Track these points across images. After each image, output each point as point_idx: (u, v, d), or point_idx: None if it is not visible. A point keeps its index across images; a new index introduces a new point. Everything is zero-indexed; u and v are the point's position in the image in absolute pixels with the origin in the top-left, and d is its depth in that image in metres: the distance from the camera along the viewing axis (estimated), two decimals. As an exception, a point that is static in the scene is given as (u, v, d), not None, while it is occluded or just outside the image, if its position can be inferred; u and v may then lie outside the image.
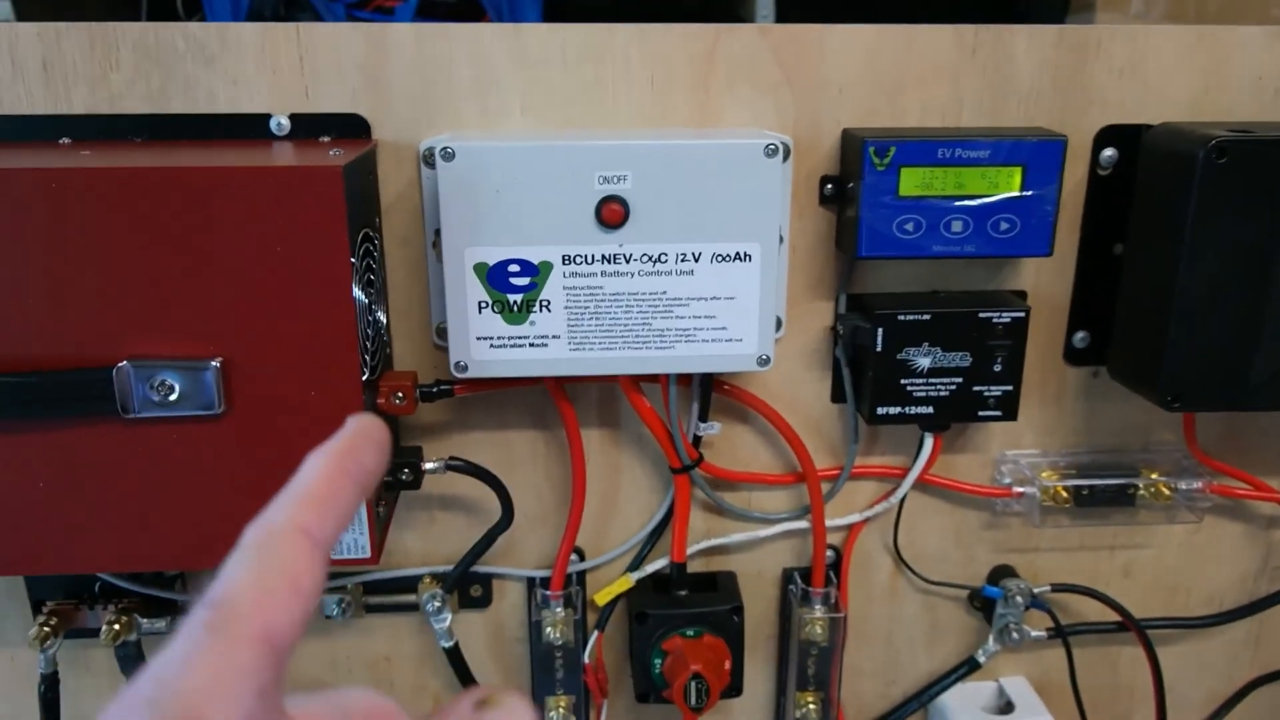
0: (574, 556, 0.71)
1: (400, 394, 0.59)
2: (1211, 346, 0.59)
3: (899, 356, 0.64)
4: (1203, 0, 1.30)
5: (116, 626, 0.66)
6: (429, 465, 0.63)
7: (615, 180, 0.56)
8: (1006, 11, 1.45)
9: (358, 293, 0.53)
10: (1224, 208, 0.56)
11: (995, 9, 1.50)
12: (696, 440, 0.67)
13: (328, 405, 0.53)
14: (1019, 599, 0.72)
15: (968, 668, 0.76)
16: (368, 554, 0.56)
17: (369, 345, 0.56)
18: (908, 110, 0.63)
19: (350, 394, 0.53)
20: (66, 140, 0.59)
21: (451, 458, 0.64)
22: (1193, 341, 0.59)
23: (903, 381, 0.64)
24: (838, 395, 0.69)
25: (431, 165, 0.59)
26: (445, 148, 0.55)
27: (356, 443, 0.28)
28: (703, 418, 0.66)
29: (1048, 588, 0.73)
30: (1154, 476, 0.70)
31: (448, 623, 0.69)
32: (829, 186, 0.64)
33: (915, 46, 0.62)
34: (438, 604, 0.68)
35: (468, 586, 0.72)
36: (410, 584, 0.71)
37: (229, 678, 0.23)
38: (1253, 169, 0.56)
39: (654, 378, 0.65)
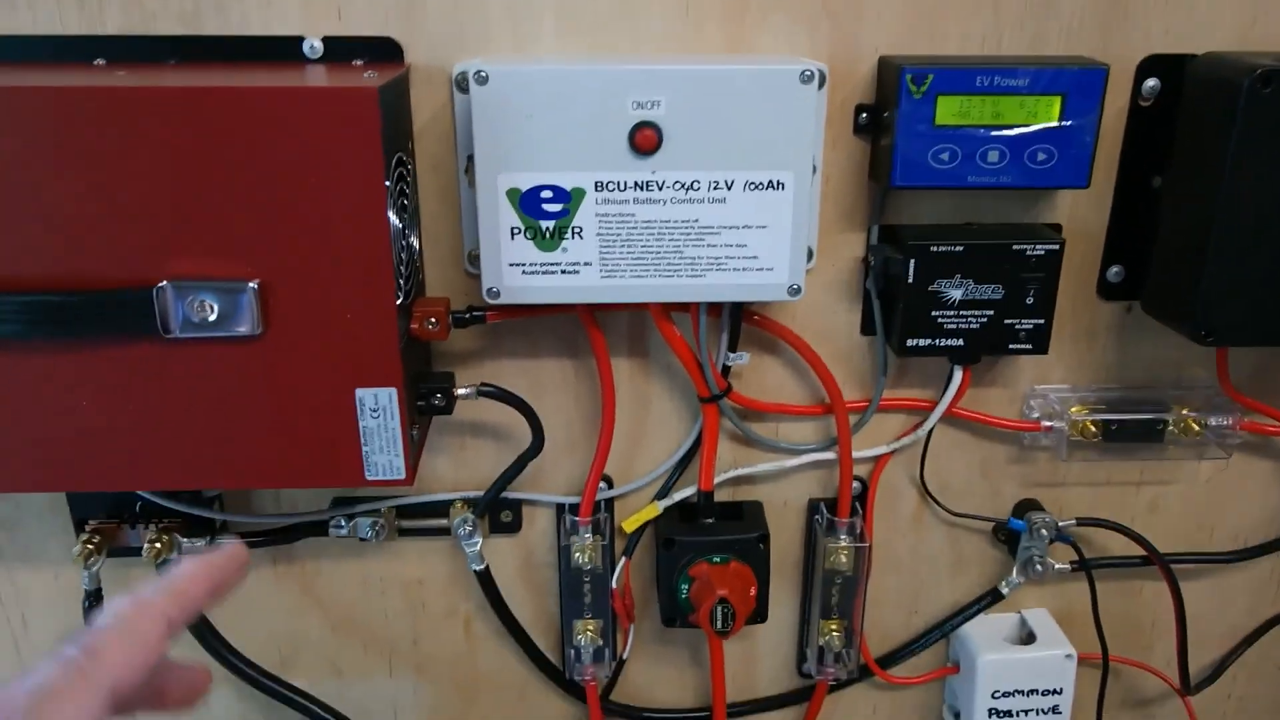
0: (602, 484, 0.72)
1: (434, 319, 0.60)
2: (1249, 281, 0.58)
3: (930, 288, 0.63)
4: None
5: (158, 545, 0.68)
6: (461, 391, 0.64)
7: (649, 106, 0.56)
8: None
9: (392, 217, 0.53)
10: (1268, 138, 0.56)
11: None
12: (725, 370, 0.67)
13: (363, 328, 0.53)
14: (1044, 532, 0.72)
15: (991, 599, 0.77)
16: (402, 475, 0.57)
17: (403, 270, 0.57)
18: (947, 38, 0.62)
19: (385, 317, 0.53)
20: (101, 61, 0.59)
21: (483, 384, 0.65)
22: (1230, 275, 0.58)
23: (934, 313, 0.64)
24: (867, 327, 0.69)
25: (465, 89, 0.59)
26: (479, 71, 0.55)
27: (227, 564, 0.38)
28: (732, 348, 0.66)
29: (1073, 522, 0.74)
30: (1184, 413, 0.70)
31: (478, 546, 0.71)
32: (864, 115, 0.63)
33: (956, -29, 0.61)
34: (469, 528, 0.70)
35: (498, 512, 0.73)
36: (442, 509, 0.72)
37: (84, 713, 0.30)
38: (1299, 98, 0.55)
39: (684, 307, 0.65)
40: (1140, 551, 0.74)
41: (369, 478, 0.57)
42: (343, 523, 0.70)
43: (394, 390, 0.55)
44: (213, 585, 0.37)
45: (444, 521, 0.72)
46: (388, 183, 0.52)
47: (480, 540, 0.70)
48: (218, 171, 0.50)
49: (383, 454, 0.57)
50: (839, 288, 0.68)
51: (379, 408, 0.55)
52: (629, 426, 0.71)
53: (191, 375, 0.54)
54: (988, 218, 0.66)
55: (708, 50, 0.62)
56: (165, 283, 0.51)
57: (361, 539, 0.70)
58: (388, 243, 0.52)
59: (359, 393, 0.55)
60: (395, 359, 0.54)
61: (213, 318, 0.52)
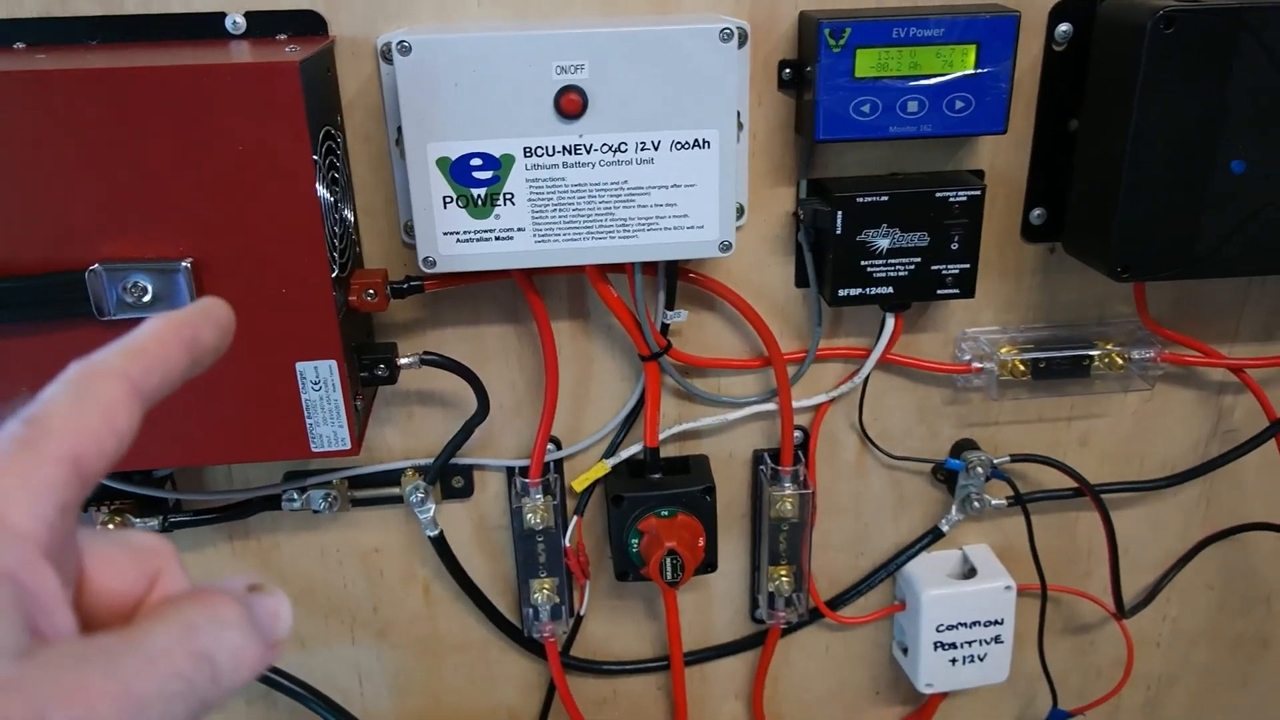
0: (551, 445, 0.74)
1: (371, 291, 0.61)
2: (1159, 217, 0.61)
3: (858, 238, 0.65)
4: None
5: (110, 527, 0.68)
6: (404, 360, 0.65)
7: (572, 70, 0.57)
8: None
9: (322, 190, 0.54)
10: (1172, 78, 0.57)
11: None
12: (665, 328, 0.69)
13: (299, 302, 0.54)
14: (979, 470, 0.75)
15: (932, 537, 0.79)
16: (348, 445, 0.58)
17: (337, 243, 0.57)
18: (862, -9, 0.63)
19: (320, 290, 0.54)
20: (20, 45, 0.59)
21: (426, 352, 0.66)
22: (1141, 212, 0.60)
23: (863, 263, 0.66)
24: (801, 280, 0.70)
25: (389, 60, 0.59)
26: (401, 41, 0.55)
27: (195, 318, 0.30)
28: (669, 306, 0.68)
29: (1007, 459, 0.76)
30: (1109, 348, 0.73)
31: (432, 513, 0.72)
32: (787, 70, 0.64)
33: (869, -75, 0.62)
34: (421, 495, 0.71)
35: (450, 478, 0.74)
36: (394, 477, 0.73)
37: (34, 486, 0.25)
38: (1200, 39, 0.57)
39: (620, 268, 0.66)
40: (1072, 484, 0.77)
41: (315, 449, 0.58)
42: (295, 496, 0.71)
43: (334, 362, 0.56)
44: (183, 342, 0.29)
45: (396, 490, 0.73)
46: (315, 157, 0.53)
47: (433, 507, 0.72)
48: (144, 152, 0.50)
49: (327, 425, 0.58)
50: (772, 242, 0.70)
51: (320, 380, 0.56)
52: (574, 387, 0.73)
53: (131, 357, 0.54)
54: (913, 167, 0.68)
55: (633, 12, 0.63)
56: (98, 265, 0.52)
57: (315, 511, 0.71)
58: (318, 216, 0.53)
59: (299, 366, 0.56)
60: (333, 331, 0.55)
61: (148, 298, 0.53)
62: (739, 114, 0.64)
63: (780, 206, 0.69)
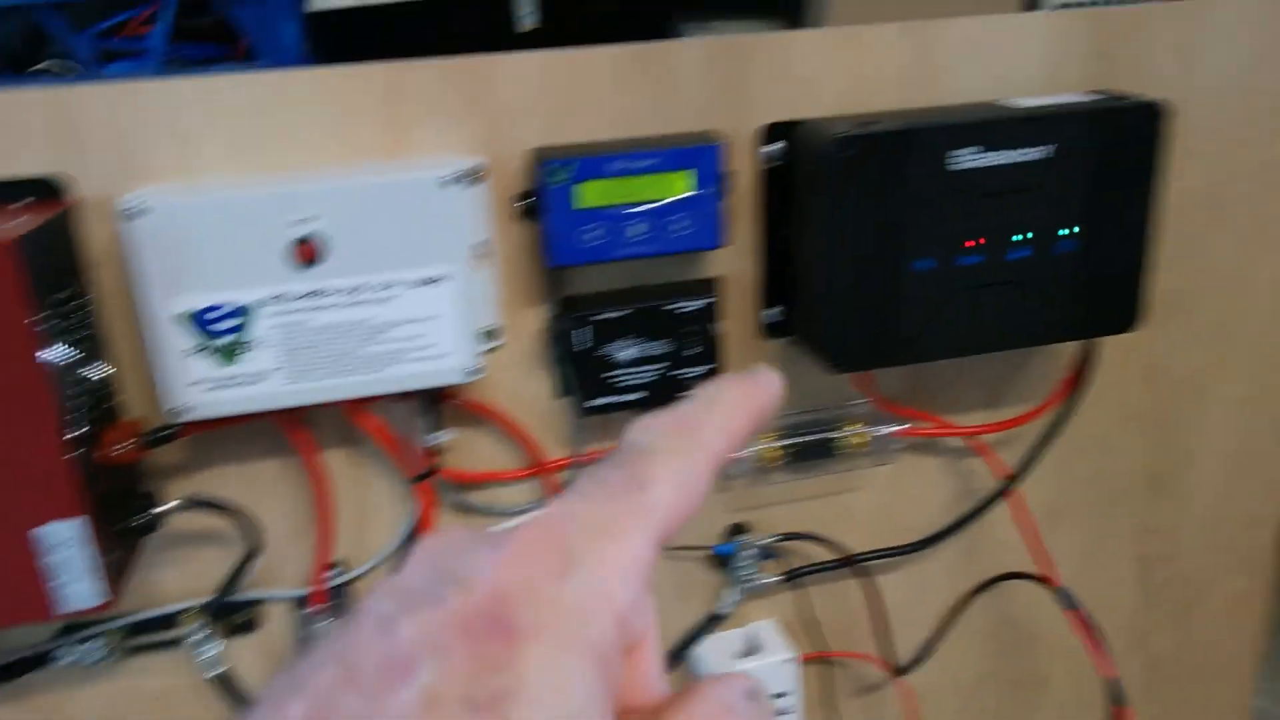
0: (338, 569, 0.75)
1: (123, 444, 0.62)
2: (860, 314, 0.67)
3: (602, 352, 0.70)
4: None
5: None
6: (167, 505, 0.65)
7: (306, 221, 0.60)
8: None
9: (55, 354, 0.55)
10: (854, 192, 0.64)
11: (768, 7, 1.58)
12: (434, 449, 0.72)
13: (35, 465, 0.55)
14: (752, 551, 0.80)
15: (714, 620, 0.83)
16: (100, 600, 0.58)
17: (73, 404, 0.58)
18: (587, 125, 0.69)
19: (51, 453, 0.55)
20: None
21: (190, 496, 0.67)
22: (842, 312, 0.67)
23: (611, 374, 0.70)
24: (559, 391, 0.74)
25: (130, 221, 0.61)
26: (138, 204, 0.57)
27: (769, 397, 0.29)
28: (435, 428, 0.71)
29: (778, 538, 0.81)
30: (852, 429, 0.79)
31: (213, 653, 0.72)
32: (524, 202, 0.69)
33: (584, 68, 0.67)
34: (201, 636, 0.71)
35: (233, 615, 0.74)
36: (173, 619, 0.73)
37: (637, 562, 0.23)
38: (876, 157, 0.64)
39: (377, 397, 0.69)
40: (836, 555, 0.82)
41: (65, 609, 0.58)
42: (67, 652, 0.70)
43: (80, 520, 0.57)
44: (754, 426, 0.28)
45: (177, 633, 0.73)
46: (44, 323, 0.54)
47: (215, 647, 0.72)
48: None
49: (80, 583, 0.58)
50: (531, 359, 0.74)
51: (64, 540, 0.57)
52: (355, 510, 0.74)
53: None
54: (656, 278, 0.73)
55: (372, 156, 0.66)
56: None
57: (92, 664, 0.70)
58: (43, 384, 0.54)
59: (42, 530, 0.56)
60: (74, 492, 0.56)
61: (-127, 479, 0.52)
62: (486, 242, 0.68)
63: (535, 325, 0.73)
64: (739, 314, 0.76)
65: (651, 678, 0.25)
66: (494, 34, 1.37)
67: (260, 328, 0.61)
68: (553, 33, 1.36)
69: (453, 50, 0.67)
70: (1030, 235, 0.68)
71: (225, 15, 1.08)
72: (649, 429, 0.26)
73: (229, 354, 0.61)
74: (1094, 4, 1.46)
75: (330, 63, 0.65)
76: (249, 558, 0.69)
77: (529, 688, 0.20)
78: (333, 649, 0.22)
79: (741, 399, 0.28)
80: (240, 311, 0.60)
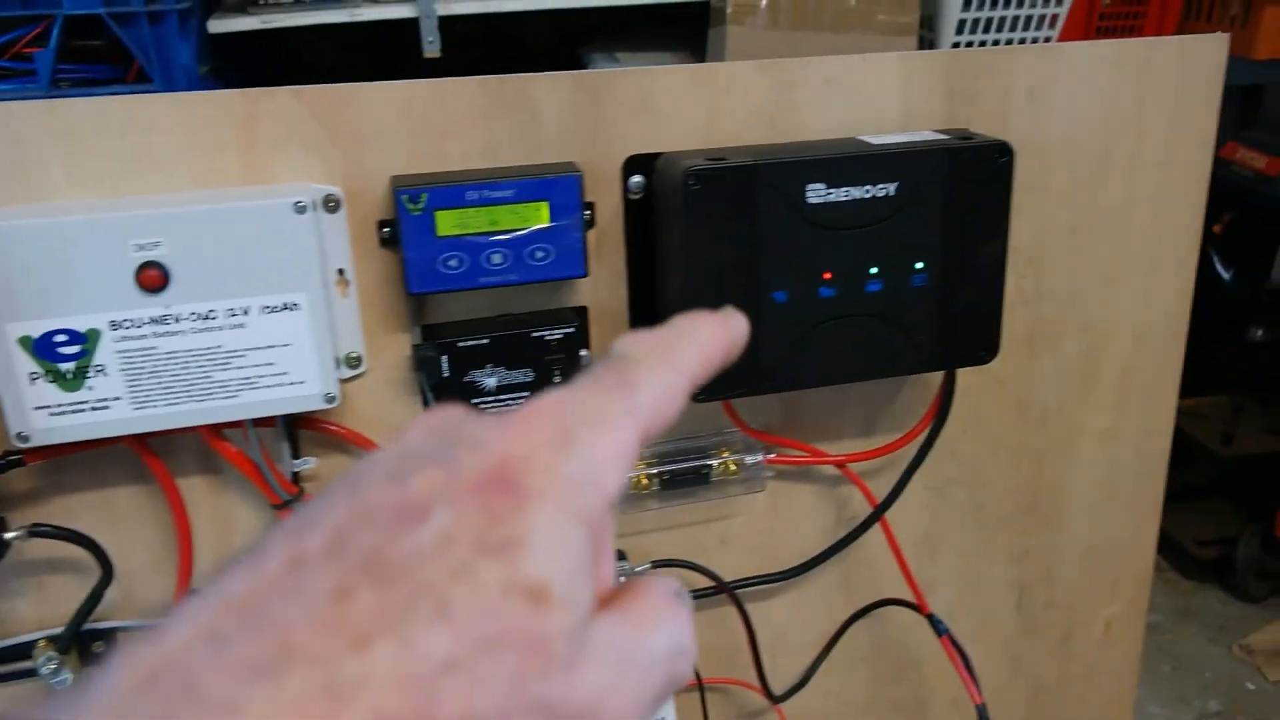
0: (201, 599, 0.74)
1: (-39, 471, 0.61)
2: (717, 345, 0.68)
3: (466, 379, 0.70)
4: (819, 11, 1.44)
5: None
6: (10, 535, 0.64)
7: (150, 246, 0.60)
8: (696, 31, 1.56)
9: (-118, 381, 0.54)
10: (708, 224, 0.66)
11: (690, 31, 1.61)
12: (295, 476, 0.71)
13: None
14: (621, 578, 0.80)
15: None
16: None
17: (-91, 429, 0.57)
18: (450, 155, 0.69)
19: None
20: None
21: (35, 524, 0.66)
22: (699, 342, 0.68)
23: (474, 401, 0.70)
24: (428, 418, 0.74)
25: (-30, 245, 0.60)
26: (-28, 230, 0.57)
27: (738, 335, 0.31)
28: (295, 455, 0.70)
29: (649, 565, 0.82)
30: (725, 455, 0.80)
31: (69, 683, 0.71)
32: (386, 229, 0.69)
33: (446, 98, 0.68)
34: (54, 666, 0.70)
35: (90, 644, 0.73)
36: (26, 650, 0.71)
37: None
38: (726, 191, 0.65)
39: (237, 423, 0.68)
40: (712, 583, 0.83)
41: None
42: (-90, 683, 0.68)
43: (-94, 550, 0.56)
44: (723, 358, 0.30)
45: (31, 663, 0.71)
46: None
47: (70, 676, 0.71)
48: None
49: (-93, 614, 0.57)
50: (398, 385, 0.74)
51: (-113, 571, 0.56)
52: (218, 538, 0.74)
53: None
54: (523, 306, 0.74)
55: (227, 183, 0.66)
56: None
57: (-63, 696, 0.69)
58: None
59: None
60: (-100, 520, 0.55)
61: None
62: (342, 271, 0.68)
63: (400, 351, 0.73)
64: (608, 343, 0.77)
65: (606, 570, 0.27)
66: (401, 61, 1.38)
67: (105, 353, 0.60)
68: (460, 60, 1.37)
69: (362, 76, 0.68)
70: (885, 269, 0.69)
71: (119, 37, 1.07)
72: (638, 342, 0.28)
73: (73, 379, 0.60)
74: (982, 45, 1.51)
75: (231, 86, 0.65)
76: (100, 587, 0.68)
77: (536, 540, 0.22)
78: (343, 495, 0.23)
79: (715, 330, 0.30)
80: (83, 337, 0.60)
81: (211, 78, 1.28)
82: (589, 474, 0.24)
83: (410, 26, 1.41)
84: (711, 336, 0.30)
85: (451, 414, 0.26)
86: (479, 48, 1.60)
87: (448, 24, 1.45)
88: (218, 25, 1.22)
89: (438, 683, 0.21)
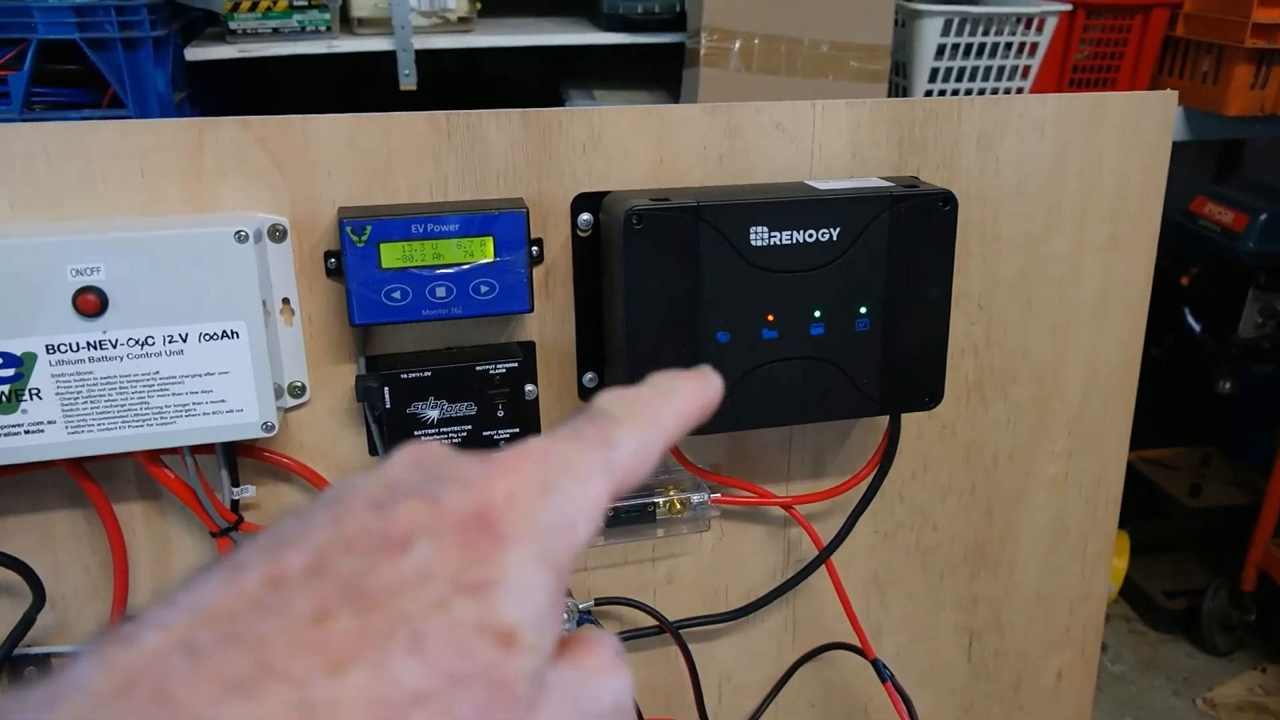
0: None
1: (-109, 490, 0.60)
2: (657, 383, 0.68)
3: (408, 411, 0.70)
4: (791, 57, 1.46)
5: None
6: (-61, 556, 0.64)
7: (88, 272, 0.60)
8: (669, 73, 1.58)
9: None
10: (650, 264, 0.66)
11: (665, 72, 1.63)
12: (235, 504, 0.71)
13: None
14: (566, 615, 0.80)
15: (528, 684, 0.83)
16: None
17: None
18: (397, 188, 0.70)
19: None
20: None
21: (-35, 546, 0.66)
22: (644, 373, 0.68)
23: (416, 433, 0.71)
24: (372, 448, 0.74)
25: (-90, 265, 0.61)
26: (-90, 250, 0.57)
27: (712, 397, 0.32)
28: (234, 483, 0.70)
29: (593, 603, 0.82)
30: (671, 494, 0.80)
31: (-3, 707, 0.70)
32: (332, 260, 0.70)
33: (394, 132, 0.69)
34: (-18, 690, 0.69)
35: (20, 670, 0.73)
36: (-44, 674, 0.71)
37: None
38: (668, 231, 0.66)
39: (175, 450, 0.68)
40: (656, 622, 0.83)
41: None
42: None
43: None
44: (699, 417, 0.31)
45: (-41, 687, 0.71)
46: None
47: (-2, 701, 0.70)
48: None
49: None
50: (343, 415, 0.74)
51: None
52: (155, 564, 0.73)
53: None
54: (470, 340, 0.74)
55: (171, 210, 0.67)
56: None
57: None
58: None
59: None
60: None
61: None
62: (288, 300, 0.69)
63: (345, 382, 0.73)
64: (560, 377, 0.77)
65: (561, 617, 0.28)
66: (379, 92, 1.39)
67: (41, 377, 0.61)
68: (439, 93, 1.38)
69: (341, 106, 0.68)
70: (827, 313, 0.70)
71: (94, 62, 1.08)
72: (620, 400, 0.29)
73: (8, 402, 0.60)
74: (954, 94, 1.52)
75: (208, 114, 0.66)
76: (32, 612, 0.68)
77: (510, 584, 0.23)
78: (325, 518, 0.24)
79: (693, 392, 0.31)
80: (19, 360, 0.60)
81: (188, 104, 1.29)
82: (564, 523, 0.25)
83: (390, 60, 1.42)
84: (690, 397, 0.31)
85: (434, 449, 0.27)
86: (461, 82, 1.62)
87: (429, 58, 1.47)
88: (195, 53, 1.23)
89: (407, 712, 0.21)
